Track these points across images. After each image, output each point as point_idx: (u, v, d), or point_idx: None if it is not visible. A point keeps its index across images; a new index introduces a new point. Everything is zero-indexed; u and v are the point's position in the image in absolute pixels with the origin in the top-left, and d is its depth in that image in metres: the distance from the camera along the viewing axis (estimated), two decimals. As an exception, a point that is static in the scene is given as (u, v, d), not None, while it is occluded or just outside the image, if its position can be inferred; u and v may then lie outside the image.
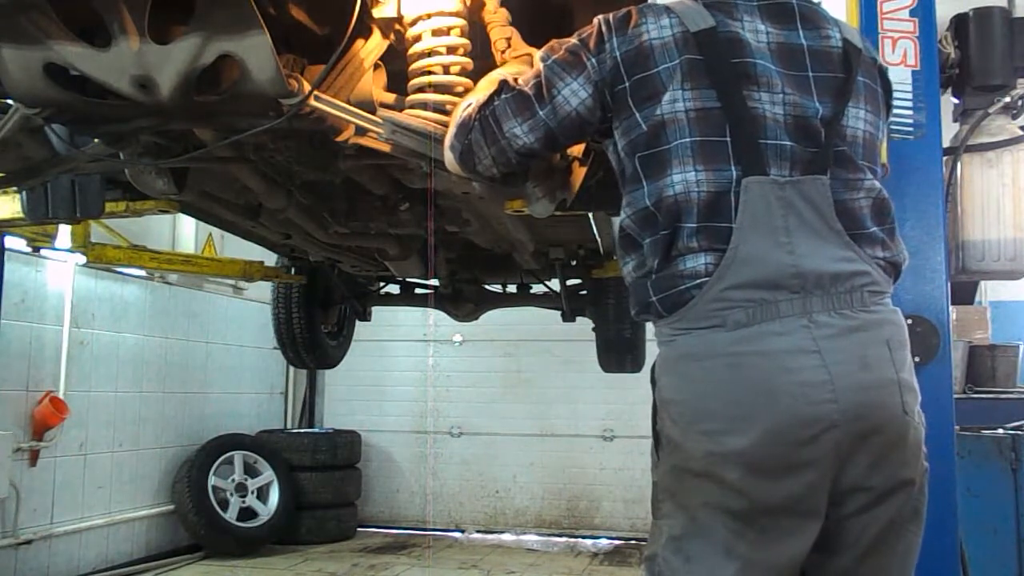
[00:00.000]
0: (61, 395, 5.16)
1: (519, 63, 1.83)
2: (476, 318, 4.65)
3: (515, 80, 1.59)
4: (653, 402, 1.48)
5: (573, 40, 1.54)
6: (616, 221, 1.60)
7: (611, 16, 1.52)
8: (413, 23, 1.88)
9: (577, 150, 2.07)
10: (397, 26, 1.93)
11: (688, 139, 1.41)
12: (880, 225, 1.48)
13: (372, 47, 1.93)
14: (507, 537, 7.29)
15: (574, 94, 1.50)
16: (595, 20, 1.53)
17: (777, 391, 1.33)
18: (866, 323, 1.39)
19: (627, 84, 1.46)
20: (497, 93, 1.59)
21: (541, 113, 1.52)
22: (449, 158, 1.68)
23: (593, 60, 1.49)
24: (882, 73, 1.62)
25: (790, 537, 1.36)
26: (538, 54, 1.59)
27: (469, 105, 1.64)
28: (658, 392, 1.46)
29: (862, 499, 1.39)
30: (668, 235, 1.43)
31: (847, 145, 1.47)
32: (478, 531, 7.42)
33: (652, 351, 1.54)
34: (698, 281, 1.39)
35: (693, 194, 1.40)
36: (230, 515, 6.27)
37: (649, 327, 1.55)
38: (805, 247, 1.38)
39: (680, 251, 1.42)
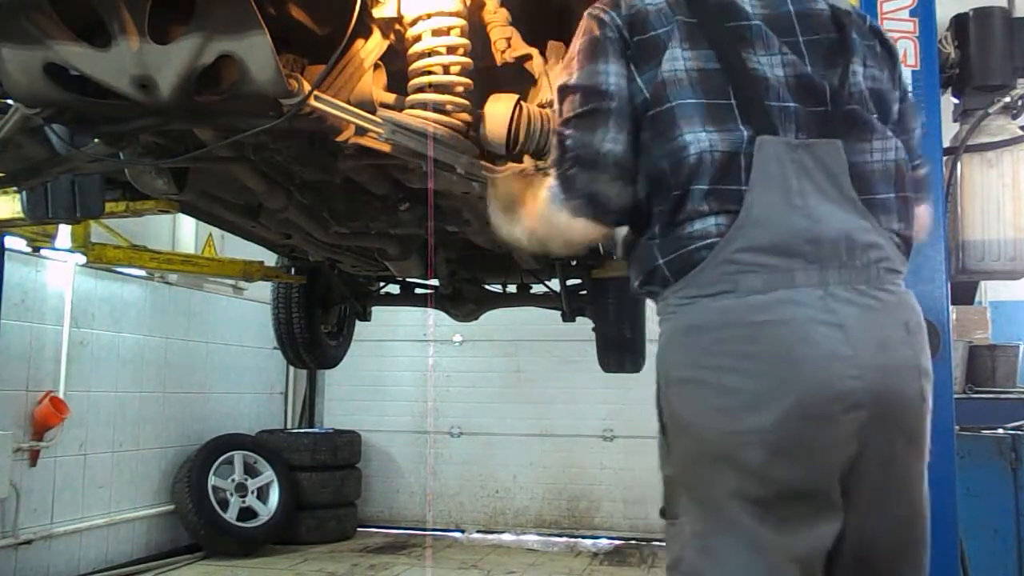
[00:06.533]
0: (61, 395, 5.16)
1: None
2: (476, 318, 4.64)
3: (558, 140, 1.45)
4: (657, 386, 1.40)
5: (574, 44, 1.49)
6: None
7: (599, 3, 1.48)
8: (413, 23, 1.88)
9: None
10: (397, 26, 1.93)
11: (692, 100, 1.36)
12: (895, 192, 1.40)
13: (372, 47, 1.93)
14: (507, 537, 7.28)
15: (617, 73, 1.42)
16: (584, 15, 1.48)
17: (800, 362, 1.25)
18: (883, 303, 1.32)
19: (632, 48, 1.42)
20: (559, 143, 1.45)
21: (612, 107, 1.40)
22: (564, 222, 1.44)
23: (603, 38, 1.43)
24: (878, 33, 1.55)
25: (815, 524, 1.28)
26: (555, 83, 1.51)
27: (542, 188, 1.48)
28: (665, 372, 1.38)
29: (868, 494, 1.32)
30: (679, 196, 1.35)
31: (856, 103, 1.40)
32: (478, 531, 7.41)
33: (652, 351, 1.50)
34: (708, 241, 1.32)
35: (706, 155, 1.33)
36: (230, 515, 6.26)
37: (649, 325, 1.53)
38: (820, 211, 1.31)
39: (689, 214, 1.34)
